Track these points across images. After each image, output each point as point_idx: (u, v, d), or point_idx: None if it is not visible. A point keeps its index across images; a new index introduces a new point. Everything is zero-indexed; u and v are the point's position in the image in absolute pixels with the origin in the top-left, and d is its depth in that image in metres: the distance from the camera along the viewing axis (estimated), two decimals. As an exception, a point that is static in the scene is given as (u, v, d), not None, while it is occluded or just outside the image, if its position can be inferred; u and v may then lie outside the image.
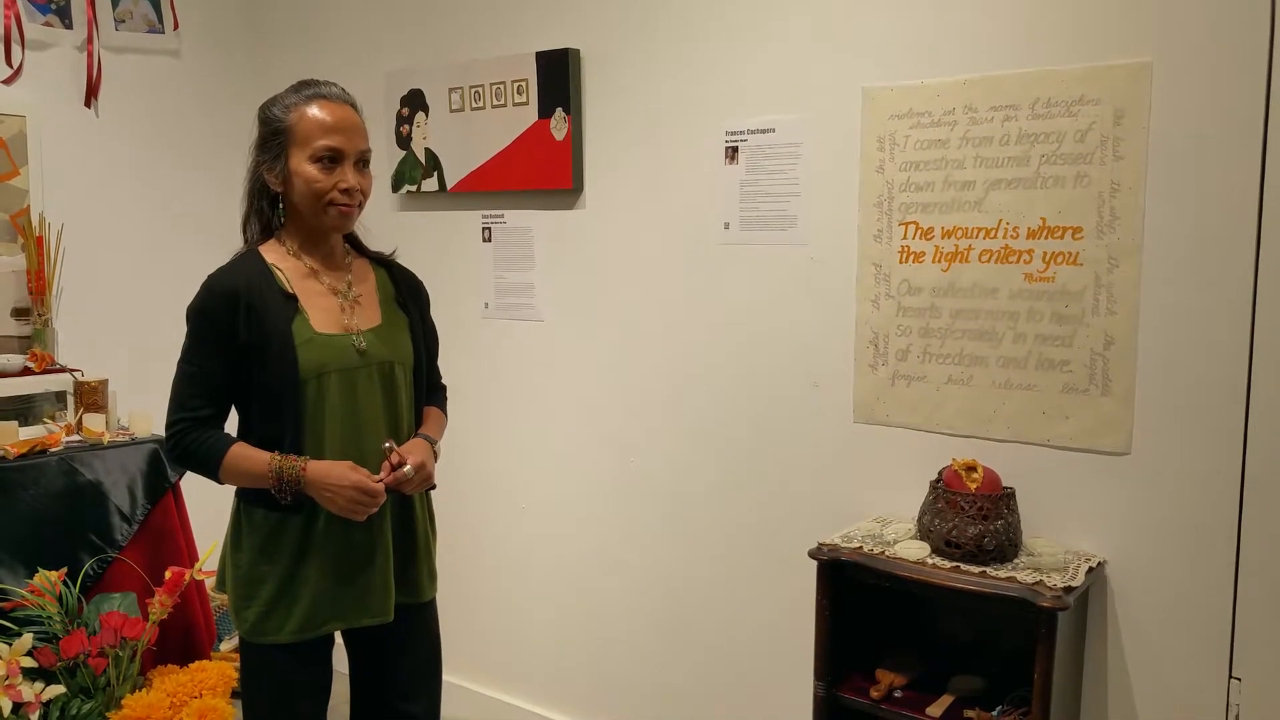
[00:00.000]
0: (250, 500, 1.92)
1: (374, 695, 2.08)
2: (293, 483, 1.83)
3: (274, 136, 1.90)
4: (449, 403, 2.23)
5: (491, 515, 3.12)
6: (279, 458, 1.84)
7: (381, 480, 1.87)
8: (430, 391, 2.13)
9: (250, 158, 1.96)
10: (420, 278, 2.15)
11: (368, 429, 1.92)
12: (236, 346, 1.85)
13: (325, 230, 1.94)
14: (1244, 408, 1.89)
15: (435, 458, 2.00)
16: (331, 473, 1.83)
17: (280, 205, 1.95)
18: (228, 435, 1.90)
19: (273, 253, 1.94)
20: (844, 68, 2.29)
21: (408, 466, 1.88)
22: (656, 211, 2.66)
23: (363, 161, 1.92)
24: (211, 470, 1.88)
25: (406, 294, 2.06)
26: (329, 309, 1.93)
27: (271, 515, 1.89)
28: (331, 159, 1.87)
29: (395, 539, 1.98)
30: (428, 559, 2.06)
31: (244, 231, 2.01)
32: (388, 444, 1.91)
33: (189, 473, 2.90)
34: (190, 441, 1.87)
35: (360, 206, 1.93)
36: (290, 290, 1.89)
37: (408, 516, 2.01)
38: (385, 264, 2.08)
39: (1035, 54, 2.05)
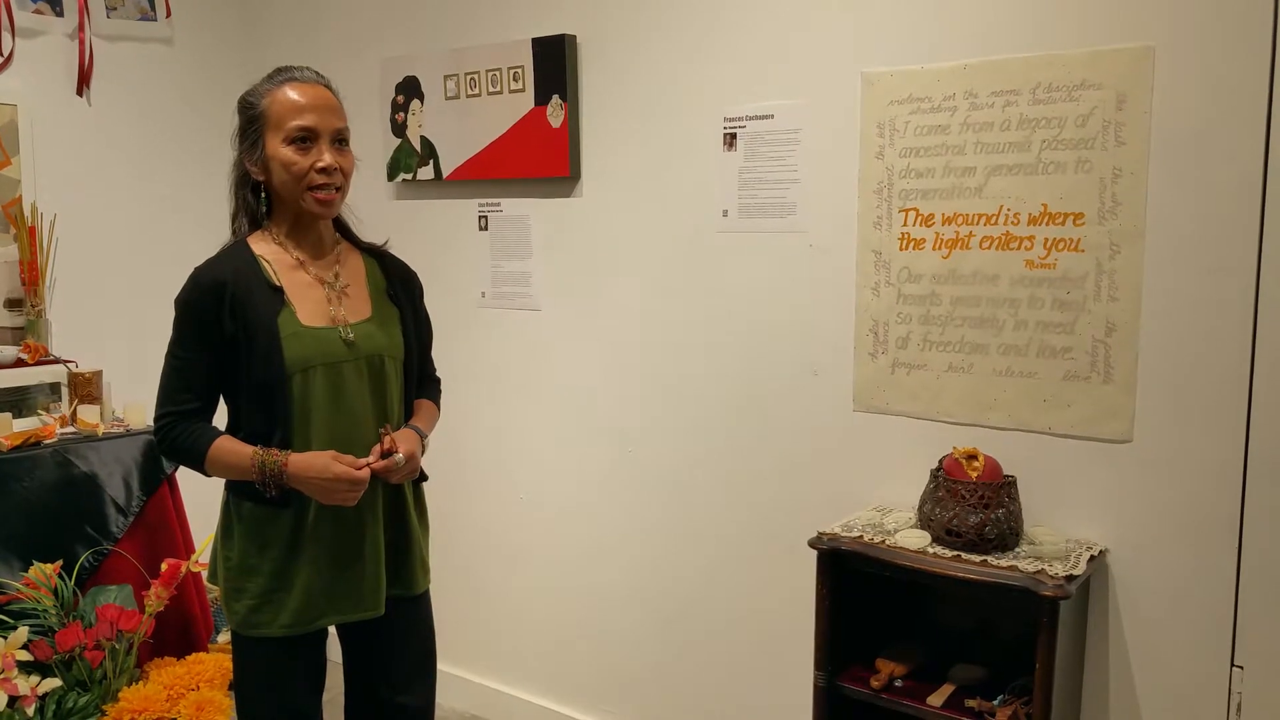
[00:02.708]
0: (239, 493, 1.90)
1: (368, 687, 2.07)
2: (275, 477, 1.81)
3: (250, 124, 1.89)
4: (442, 395, 2.21)
5: (489, 505, 3.10)
6: (262, 452, 1.81)
7: (369, 464, 1.85)
8: (423, 384, 2.11)
9: (233, 152, 1.94)
10: (416, 267, 2.13)
11: (355, 422, 1.89)
12: (223, 339, 1.83)
13: (310, 216, 1.91)
14: (1247, 394, 1.88)
15: (424, 450, 1.98)
16: (313, 465, 1.81)
17: (264, 194, 1.92)
18: (214, 429, 1.88)
19: (260, 244, 1.91)
20: (843, 53, 2.27)
21: (399, 454, 1.86)
22: (654, 199, 2.64)
23: (340, 140, 1.89)
24: (197, 464, 1.86)
25: (398, 285, 2.03)
26: (316, 300, 1.90)
27: (260, 508, 1.87)
28: (305, 138, 1.84)
29: (386, 532, 1.96)
30: (420, 552, 2.05)
31: (233, 227, 1.99)
32: (384, 428, 1.90)
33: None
34: (177, 435, 1.85)
35: (342, 190, 1.90)
36: (276, 283, 1.87)
37: (399, 509, 1.99)
38: (377, 254, 2.05)
39: (1037, 38, 2.03)
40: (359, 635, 2.04)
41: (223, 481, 1.95)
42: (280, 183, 1.87)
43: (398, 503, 1.99)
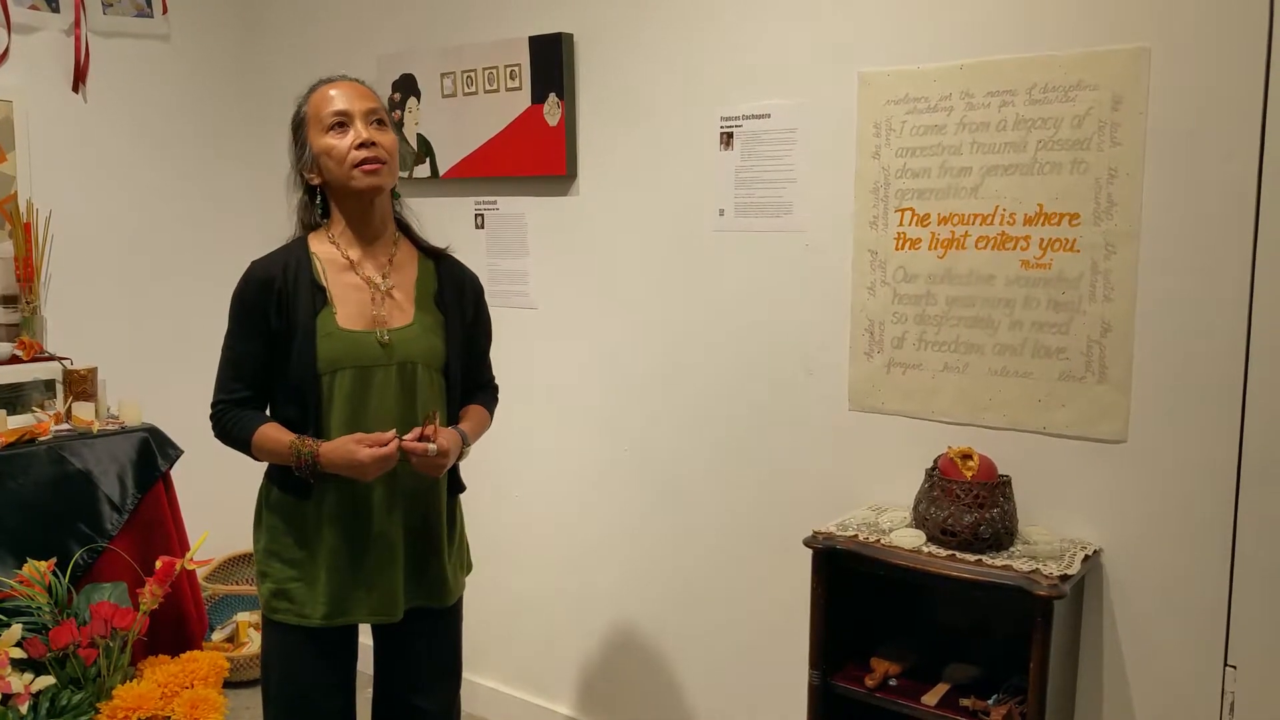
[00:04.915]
0: (270, 478, 1.98)
1: (390, 688, 2.11)
2: (309, 466, 1.85)
3: (298, 130, 1.96)
4: (498, 404, 2.20)
5: (484, 503, 3.10)
6: (298, 441, 1.87)
7: (403, 442, 1.84)
8: (476, 390, 2.12)
9: (290, 170, 2.00)
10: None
11: (376, 425, 1.89)
12: (270, 333, 1.90)
13: (363, 202, 1.93)
14: (1241, 395, 1.88)
15: (464, 455, 1.99)
16: (339, 452, 1.83)
17: (320, 198, 1.97)
18: (261, 415, 1.95)
19: (317, 242, 1.97)
20: (840, 52, 2.27)
21: (433, 446, 1.85)
22: (651, 198, 2.64)
23: (377, 120, 1.93)
24: (245, 449, 1.93)
25: (449, 291, 2.03)
26: (359, 303, 1.93)
27: (285, 497, 1.94)
28: (342, 123, 1.90)
29: (411, 542, 1.98)
30: (451, 563, 2.05)
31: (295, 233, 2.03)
32: (432, 412, 1.89)
33: (179, 461, 2.91)
34: (227, 422, 1.94)
35: (388, 165, 1.92)
36: (322, 282, 1.91)
37: (429, 521, 2.00)
38: (436, 258, 2.06)
39: (1033, 39, 2.03)
40: (384, 637, 2.08)
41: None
42: (329, 173, 1.92)
43: (428, 514, 2.00)
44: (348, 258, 1.95)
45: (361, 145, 1.88)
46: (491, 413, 2.16)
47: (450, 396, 2.02)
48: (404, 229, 2.05)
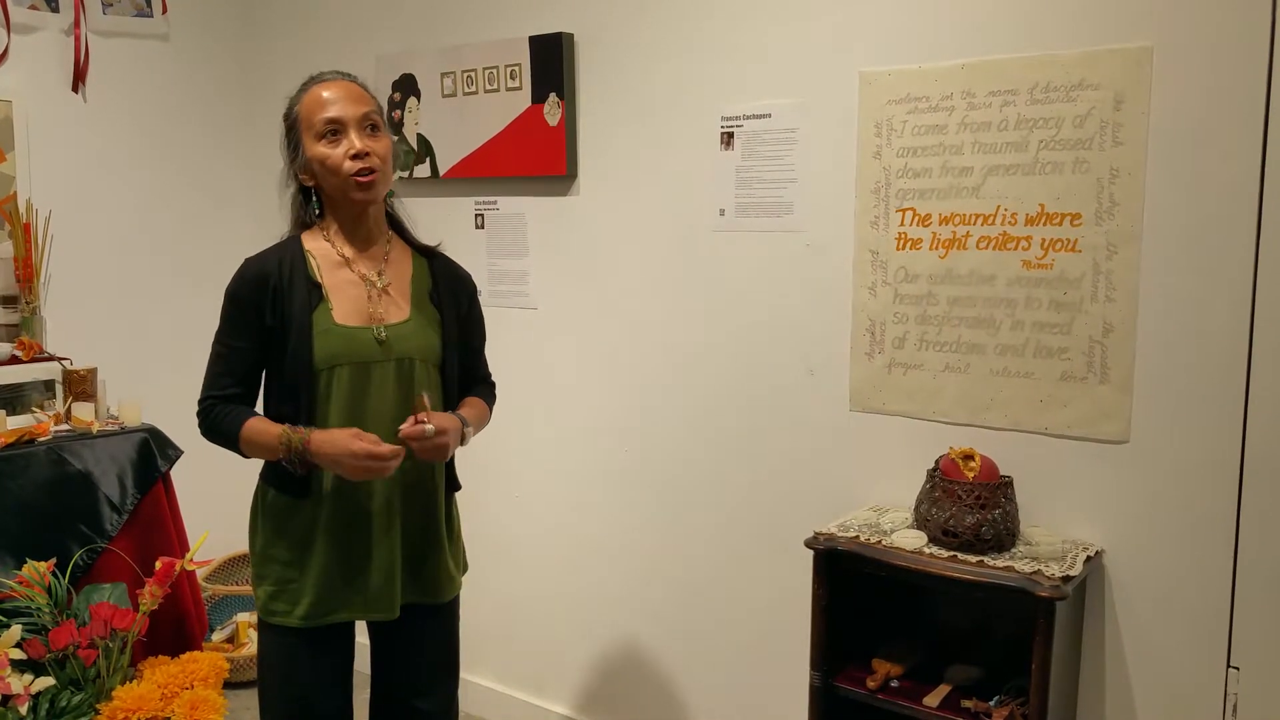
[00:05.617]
0: (266, 480, 1.96)
1: (388, 688, 2.10)
2: (299, 453, 1.83)
3: (290, 132, 1.94)
4: (496, 400, 2.19)
5: (483, 503, 3.10)
6: (288, 429, 1.85)
7: (402, 432, 1.82)
8: (472, 386, 2.12)
9: (284, 166, 1.98)
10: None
11: (374, 422, 1.89)
12: (263, 330, 1.88)
13: (358, 209, 1.92)
14: (1243, 395, 1.88)
15: (464, 440, 1.96)
16: (333, 441, 1.82)
17: (315, 198, 1.96)
18: (248, 410, 1.93)
19: (311, 239, 1.96)
20: (841, 52, 2.26)
21: (430, 426, 1.83)
22: (651, 198, 2.63)
23: (371, 125, 1.91)
24: (233, 444, 1.92)
25: (443, 288, 2.03)
26: (355, 299, 1.92)
27: (282, 497, 1.92)
28: (334, 130, 1.87)
29: (408, 539, 1.97)
30: (445, 561, 2.05)
31: (290, 233, 2.01)
32: (421, 395, 1.87)
33: (178, 462, 2.91)
34: (215, 417, 1.92)
35: (380, 173, 1.90)
36: (318, 279, 1.90)
37: (427, 517, 2.00)
38: (429, 255, 2.05)
39: (1034, 38, 2.03)
40: (381, 636, 2.07)
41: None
42: (324, 181, 1.90)
43: (426, 511, 2.00)
44: (342, 255, 1.94)
45: (356, 156, 1.86)
46: (490, 407, 2.16)
47: (447, 392, 2.01)
48: (396, 227, 2.04)
